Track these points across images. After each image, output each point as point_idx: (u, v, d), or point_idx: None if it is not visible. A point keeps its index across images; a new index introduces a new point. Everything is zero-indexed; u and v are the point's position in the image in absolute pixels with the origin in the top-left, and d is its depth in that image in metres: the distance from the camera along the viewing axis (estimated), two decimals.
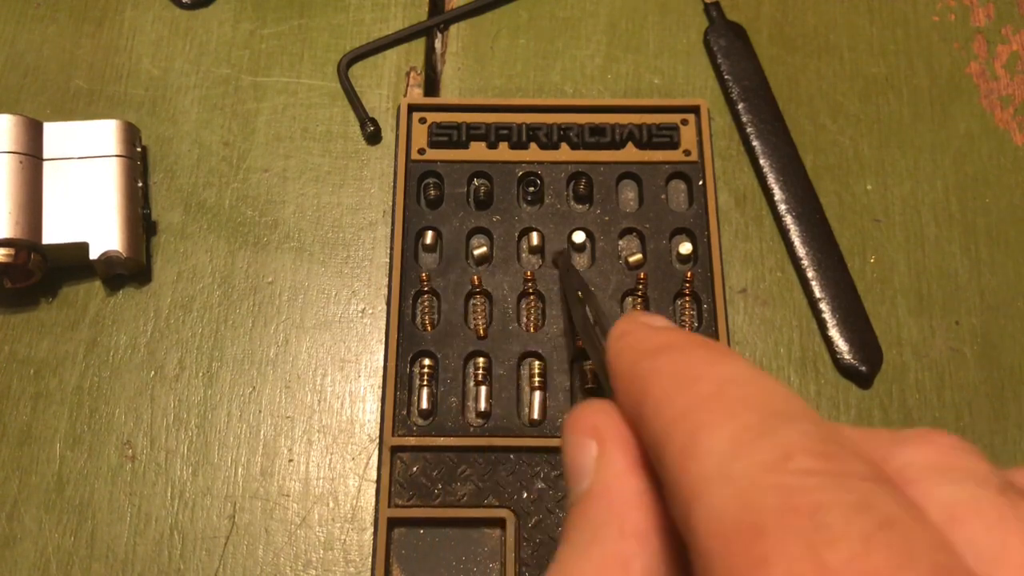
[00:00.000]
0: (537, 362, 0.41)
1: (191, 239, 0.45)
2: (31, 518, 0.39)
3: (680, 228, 0.44)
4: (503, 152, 0.45)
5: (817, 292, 0.43)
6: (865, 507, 0.14)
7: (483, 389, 0.40)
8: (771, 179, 0.46)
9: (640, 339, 0.20)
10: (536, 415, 0.40)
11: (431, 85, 0.49)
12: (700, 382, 0.17)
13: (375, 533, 0.38)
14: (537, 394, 0.40)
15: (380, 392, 0.41)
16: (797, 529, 0.14)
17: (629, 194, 0.45)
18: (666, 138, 0.45)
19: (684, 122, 0.46)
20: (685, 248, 0.43)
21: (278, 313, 0.43)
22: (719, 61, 0.49)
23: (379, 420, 0.41)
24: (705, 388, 0.17)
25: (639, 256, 0.43)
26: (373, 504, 0.40)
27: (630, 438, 0.19)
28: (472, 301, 0.42)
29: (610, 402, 0.20)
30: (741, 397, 0.17)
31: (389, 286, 0.43)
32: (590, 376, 0.40)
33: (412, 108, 0.46)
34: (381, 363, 0.42)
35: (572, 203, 0.45)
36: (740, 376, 0.18)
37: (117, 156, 0.44)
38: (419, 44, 0.50)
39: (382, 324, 0.43)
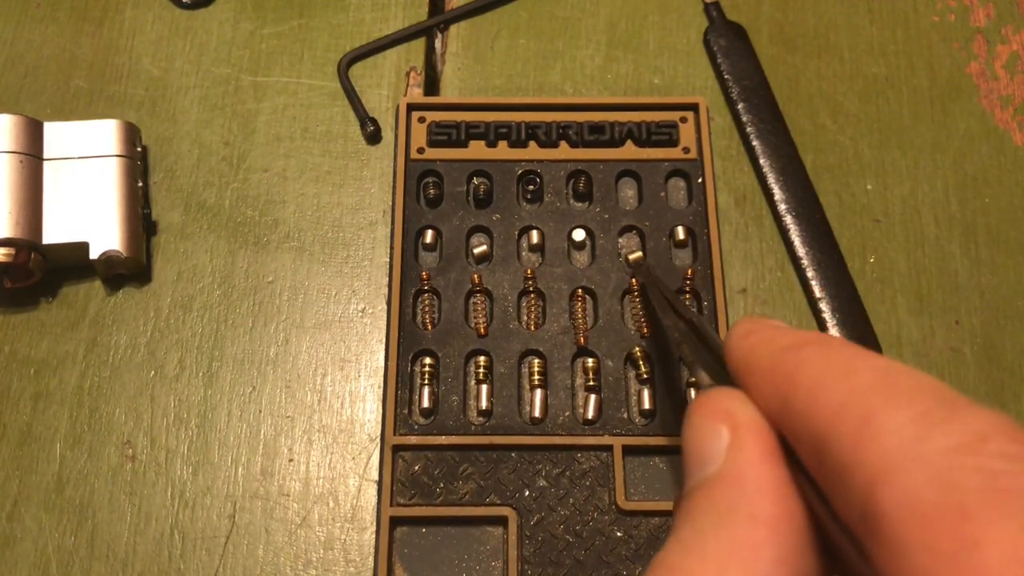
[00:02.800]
0: (538, 360, 0.41)
1: (191, 239, 0.45)
2: (31, 518, 0.39)
3: (680, 225, 0.44)
4: (502, 151, 0.45)
5: (817, 292, 0.43)
6: None
7: (484, 387, 0.40)
8: (771, 179, 0.46)
9: (774, 336, 0.20)
10: (537, 413, 0.40)
11: (431, 85, 0.49)
12: (860, 372, 0.18)
13: (377, 532, 0.38)
14: (538, 392, 0.40)
15: (380, 391, 0.41)
16: (1008, 511, 0.14)
17: (628, 192, 0.45)
18: (665, 136, 0.45)
19: (683, 120, 0.46)
20: (685, 246, 0.43)
21: (278, 313, 0.43)
22: (719, 61, 0.49)
23: (380, 419, 0.41)
24: (867, 377, 0.17)
25: (639, 254, 0.43)
26: (373, 504, 0.39)
27: (765, 428, 0.19)
28: (472, 300, 0.42)
29: (741, 391, 0.20)
30: (909, 385, 0.17)
31: (389, 285, 0.43)
32: (591, 374, 0.40)
33: (411, 107, 0.46)
34: (381, 362, 0.42)
35: (572, 201, 0.45)
36: (898, 367, 0.18)
37: (117, 156, 0.44)
38: (419, 44, 0.50)
39: (382, 323, 0.43)
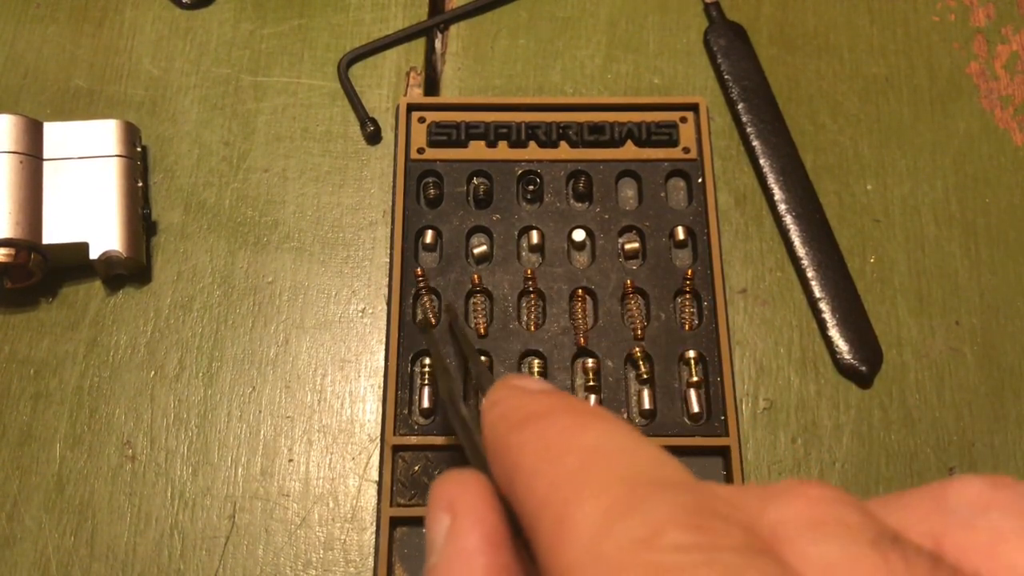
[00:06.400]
0: (537, 360, 0.41)
1: (191, 239, 0.45)
2: (31, 518, 0.39)
3: (680, 225, 0.44)
4: (502, 151, 0.45)
5: (817, 292, 0.43)
6: None
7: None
8: (771, 179, 0.46)
9: (510, 408, 0.19)
10: None
11: (431, 85, 0.49)
12: (568, 455, 0.17)
13: (377, 532, 0.38)
14: None
15: (380, 392, 0.41)
16: None
17: (628, 192, 0.45)
18: (665, 136, 0.45)
19: (683, 120, 0.46)
20: (685, 246, 0.43)
21: (278, 313, 0.43)
22: (719, 61, 0.49)
23: (379, 420, 0.41)
24: (572, 461, 0.16)
25: (638, 252, 0.43)
26: (373, 504, 0.39)
27: (490, 514, 0.18)
28: (472, 300, 0.42)
29: (477, 473, 0.20)
30: (608, 468, 0.16)
31: (389, 286, 0.43)
32: (591, 374, 0.40)
33: (411, 107, 0.46)
34: (381, 363, 0.42)
35: (572, 201, 0.45)
36: (607, 444, 0.17)
37: (117, 156, 0.44)
38: (419, 44, 0.50)
39: (382, 324, 0.43)
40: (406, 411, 0.40)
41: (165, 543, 0.39)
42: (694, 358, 0.41)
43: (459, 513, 0.19)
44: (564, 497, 0.16)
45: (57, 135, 0.44)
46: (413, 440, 0.39)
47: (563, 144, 0.45)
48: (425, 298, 0.42)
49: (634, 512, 0.15)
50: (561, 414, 0.18)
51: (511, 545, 0.18)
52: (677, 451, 0.39)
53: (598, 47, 0.50)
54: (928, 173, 0.46)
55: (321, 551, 0.39)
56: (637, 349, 0.41)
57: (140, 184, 0.44)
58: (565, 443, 0.17)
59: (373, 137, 0.47)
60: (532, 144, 0.45)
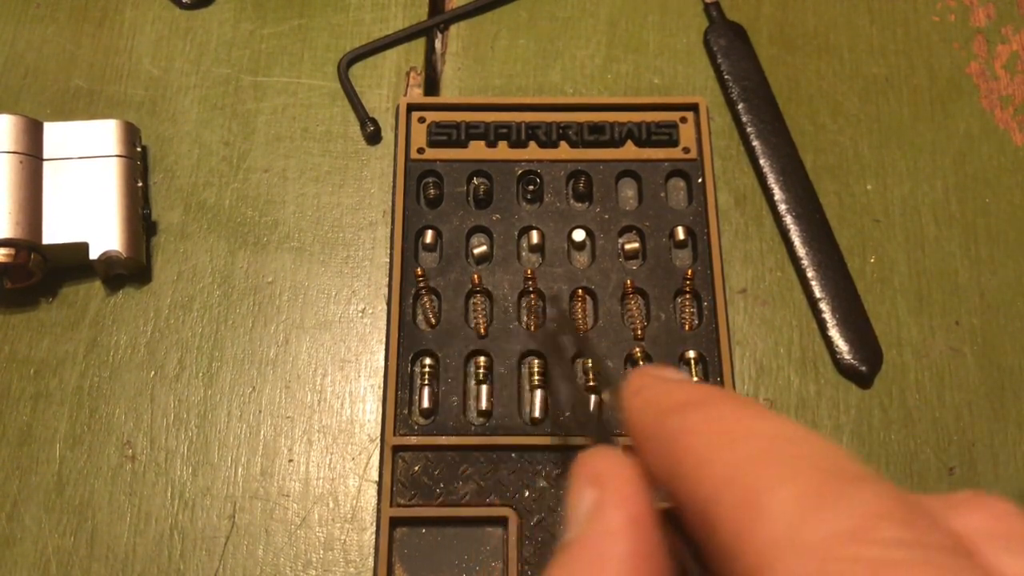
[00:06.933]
0: (537, 360, 0.41)
1: (191, 239, 0.45)
2: (31, 518, 0.39)
3: (680, 225, 0.44)
4: (502, 151, 0.45)
5: (817, 292, 0.43)
6: None
7: (484, 388, 0.40)
8: (771, 179, 0.46)
9: (661, 394, 0.19)
10: (537, 413, 0.40)
11: (431, 85, 0.49)
12: (749, 439, 0.16)
13: (377, 533, 0.38)
14: (538, 392, 0.40)
15: (380, 392, 0.41)
16: None
17: (628, 192, 0.45)
18: (665, 136, 0.45)
19: (683, 120, 0.46)
20: (685, 246, 0.43)
21: (278, 313, 0.43)
22: (719, 61, 0.49)
23: (379, 420, 0.41)
24: (755, 445, 0.16)
25: (638, 252, 0.43)
26: (373, 504, 0.39)
27: (638, 495, 0.18)
28: (472, 300, 0.42)
29: (623, 453, 0.19)
30: (798, 455, 0.16)
31: (389, 286, 0.43)
32: (591, 375, 0.40)
33: (411, 107, 0.46)
34: (381, 363, 0.42)
35: (572, 201, 0.45)
36: (786, 432, 0.17)
37: (117, 156, 0.44)
38: (419, 44, 0.50)
39: (382, 324, 0.43)
40: (406, 411, 0.40)
41: (165, 543, 0.39)
42: (694, 358, 0.41)
43: (606, 489, 0.18)
44: (750, 481, 0.15)
45: (57, 135, 0.44)
46: (413, 440, 0.39)
47: (563, 144, 0.45)
48: (425, 298, 0.42)
49: (838, 502, 0.14)
50: (726, 401, 0.18)
51: (657, 530, 0.18)
52: None
53: (598, 47, 0.50)
54: (928, 173, 0.46)
55: (321, 551, 0.39)
56: (637, 349, 0.41)
57: (140, 184, 0.44)
58: (742, 428, 0.17)
59: (373, 137, 0.47)
60: (532, 144, 0.45)
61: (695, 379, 0.40)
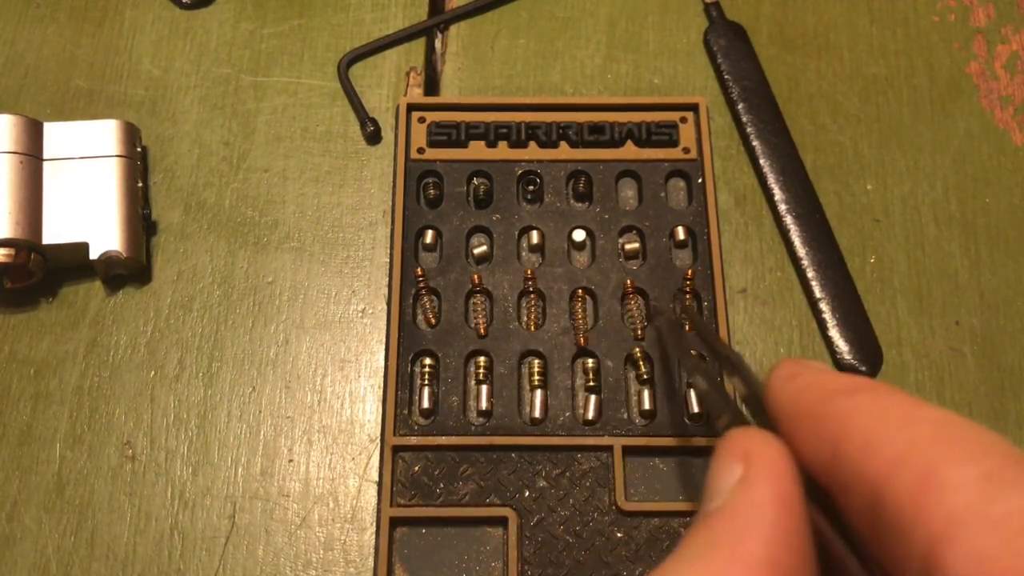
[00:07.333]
0: (538, 360, 0.41)
1: (191, 239, 0.45)
2: (31, 518, 0.39)
3: (680, 225, 0.44)
4: (502, 151, 0.45)
5: (817, 292, 0.43)
6: None
7: (484, 388, 0.40)
8: (771, 179, 0.46)
9: (822, 380, 0.20)
10: (537, 414, 0.40)
11: (431, 85, 0.49)
12: (919, 423, 0.17)
13: (377, 533, 0.38)
14: (538, 392, 0.40)
15: (380, 392, 0.41)
16: None
17: (629, 192, 0.45)
18: (665, 136, 0.45)
19: (683, 120, 0.46)
20: (685, 246, 0.43)
21: (278, 313, 0.43)
22: (719, 61, 0.49)
23: (379, 420, 0.41)
24: (926, 429, 0.17)
25: (638, 252, 0.43)
26: (373, 504, 0.39)
27: (787, 473, 0.19)
28: (472, 300, 0.42)
29: (772, 434, 0.20)
30: (972, 439, 0.16)
31: (389, 286, 0.43)
32: (591, 375, 0.40)
33: (411, 107, 0.46)
34: (381, 363, 0.42)
35: (572, 201, 0.45)
36: (958, 420, 0.17)
37: (117, 156, 0.44)
38: (419, 44, 0.50)
39: (382, 324, 0.43)
40: (406, 411, 0.40)
41: (165, 543, 0.39)
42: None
43: (755, 464, 0.19)
44: (928, 458, 0.16)
45: (57, 135, 0.44)
46: (413, 440, 0.39)
47: (563, 144, 0.45)
48: (425, 298, 0.42)
49: (1022, 482, 0.15)
50: (888, 388, 0.19)
51: (803, 513, 0.18)
52: (677, 451, 0.39)
53: (598, 47, 0.50)
54: (928, 173, 0.46)
55: (321, 551, 0.39)
56: (637, 349, 0.41)
57: (140, 184, 0.44)
58: (911, 412, 0.18)
59: (373, 137, 0.47)
60: (532, 144, 0.45)
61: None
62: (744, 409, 0.26)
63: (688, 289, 0.42)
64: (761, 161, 0.46)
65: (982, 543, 0.14)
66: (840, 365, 0.42)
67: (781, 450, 0.19)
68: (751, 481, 0.19)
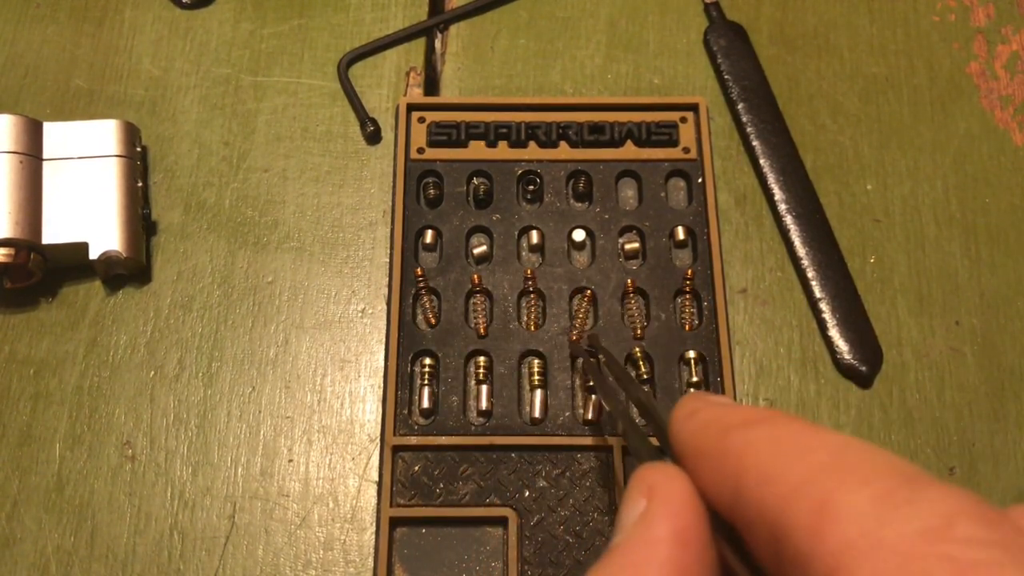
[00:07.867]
0: (537, 360, 0.41)
1: (191, 239, 0.45)
2: (31, 518, 0.39)
3: (680, 225, 0.44)
4: (502, 151, 0.45)
5: (817, 292, 0.43)
6: None
7: (484, 388, 0.40)
8: (771, 179, 0.46)
9: (720, 415, 0.20)
10: (537, 413, 0.40)
11: (431, 85, 0.49)
12: (814, 451, 0.17)
13: (377, 533, 0.38)
14: (538, 392, 0.40)
15: (380, 392, 0.41)
16: None
17: (629, 192, 0.45)
18: (665, 136, 0.45)
19: (683, 120, 0.46)
20: (685, 246, 0.43)
21: (278, 313, 0.43)
22: (719, 61, 0.49)
23: (379, 420, 0.41)
24: (821, 456, 0.17)
25: (638, 252, 0.43)
26: (373, 504, 0.39)
27: (687, 511, 0.19)
28: (472, 300, 0.42)
29: (678, 469, 0.20)
30: (868, 460, 0.16)
31: (389, 286, 0.43)
32: (590, 375, 0.40)
33: (411, 107, 0.46)
34: (381, 363, 0.42)
35: (572, 201, 0.45)
36: (853, 443, 0.17)
37: (117, 156, 0.44)
38: (419, 44, 0.50)
39: (382, 324, 0.43)
40: (406, 411, 0.40)
41: (165, 543, 0.39)
42: (694, 358, 0.41)
43: (656, 499, 0.19)
44: (823, 487, 0.16)
45: (57, 135, 0.44)
46: (413, 440, 0.39)
47: (563, 144, 0.45)
48: (425, 298, 0.42)
49: (916, 502, 0.15)
50: (785, 419, 0.19)
51: (702, 549, 0.18)
52: None
53: (598, 47, 0.50)
54: (928, 173, 0.46)
55: (321, 551, 0.39)
56: (637, 349, 0.41)
57: (140, 184, 0.44)
58: (808, 441, 0.17)
59: (373, 137, 0.47)
60: (532, 144, 0.45)
61: (695, 379, 0.41)
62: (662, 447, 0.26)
63: (688, 289, 0.42)
64: (761, 161, 0.46)
65: (878, 570, 0.14)
66: (840, 365, 0.42)
67: (684, 485, 0.19)
68: (650, 517, 0.19)
